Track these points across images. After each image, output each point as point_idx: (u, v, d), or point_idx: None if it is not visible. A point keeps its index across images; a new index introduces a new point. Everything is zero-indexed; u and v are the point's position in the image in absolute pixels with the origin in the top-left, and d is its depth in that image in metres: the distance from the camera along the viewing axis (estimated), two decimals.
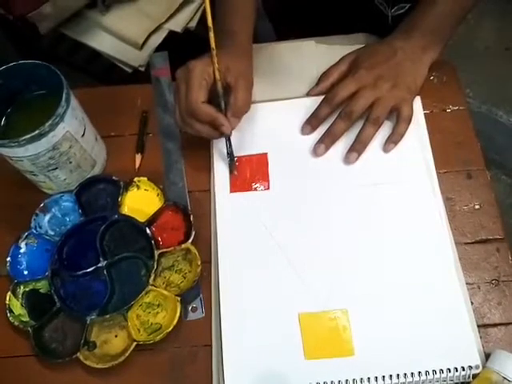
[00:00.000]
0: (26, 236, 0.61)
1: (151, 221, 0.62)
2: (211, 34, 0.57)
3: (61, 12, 0.91)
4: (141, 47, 0.93)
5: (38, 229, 0.62)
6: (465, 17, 0.68)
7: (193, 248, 0.59)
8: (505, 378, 0.49)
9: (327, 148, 0.64)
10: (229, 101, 0.60)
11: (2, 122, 0.61)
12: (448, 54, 0.70)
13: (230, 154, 0.64)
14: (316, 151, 0.64)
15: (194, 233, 0.60)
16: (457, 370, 0.52)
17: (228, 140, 0.63)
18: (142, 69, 0.92)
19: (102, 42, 0.94)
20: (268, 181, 0.64)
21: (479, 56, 1.50)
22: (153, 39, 0.94)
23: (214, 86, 0.60)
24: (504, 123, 1.38)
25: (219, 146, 0.66)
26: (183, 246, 0.60)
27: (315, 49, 0.73)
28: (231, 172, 0.65)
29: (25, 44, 1.01)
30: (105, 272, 0.59)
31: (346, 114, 0.63)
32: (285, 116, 0.67)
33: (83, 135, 0.61)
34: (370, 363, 0.53)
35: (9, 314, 0.58)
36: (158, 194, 0.63)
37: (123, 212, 0.63)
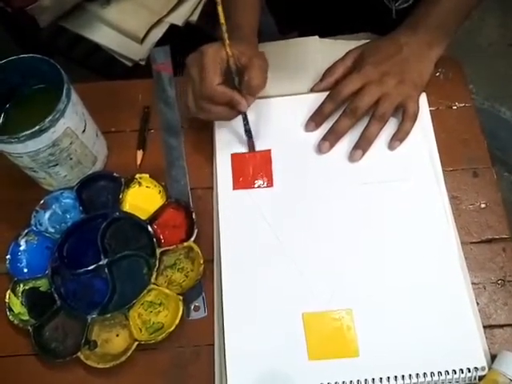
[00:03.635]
0: (26, 233, 0.60)
1: (153, 218, 0.61)
2: (220, 8, 0.55)
3: (60, 5, 0.90)
4: (141, 41, 0.92)
5: (38, 226, 0.61)
6: (470, 12, 0.67)
7: (195, 246, 0.59)
8: (511, 380, 0.49)
9: (332, 145, 0.63)
10: (243, 80, 0.59)
11: (1, 118, 0.60)
12: (451, 50, 0.69)
13: (248, 132, 0.63)
14: (320, 148, 0.63)
15: (196, 231, 0.59)
16: (462, 372, 0.51)
17: (245, 117, 0.62)
18: (143, 62, 0.91)
19: (102, 36, 0.93)
20: (271, 178, 0.63)
21: (482, 52, 1.49)
22: (154, 33, 0.92)
23: (226, 70, 0.59)
24: (507, 120, 1.38)
25: (222, 142, 0.65)
26: (185, 244, 0.59)
27: (319, 45, 0.72)
28: (250, 150, 0.64)
29: (24, 37, 0.99)
30: (106, 270, 0.58)
31: (350, 110, 0.62)
32: (289, 112, 0.67)
33: (84, 131, 0.60)
34: (374, 364, 0.52)
35: (8, 313, 0.57)
36: (159, 191, 0.63)
37: (124, 209, 0.62)
